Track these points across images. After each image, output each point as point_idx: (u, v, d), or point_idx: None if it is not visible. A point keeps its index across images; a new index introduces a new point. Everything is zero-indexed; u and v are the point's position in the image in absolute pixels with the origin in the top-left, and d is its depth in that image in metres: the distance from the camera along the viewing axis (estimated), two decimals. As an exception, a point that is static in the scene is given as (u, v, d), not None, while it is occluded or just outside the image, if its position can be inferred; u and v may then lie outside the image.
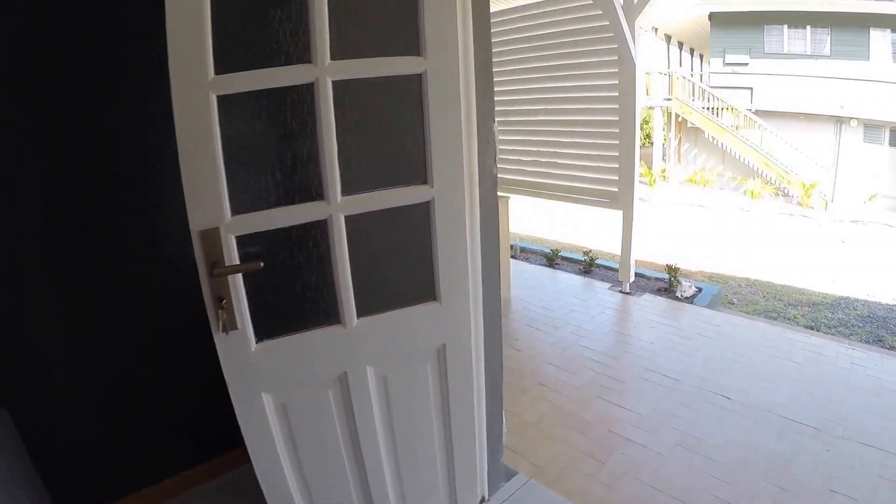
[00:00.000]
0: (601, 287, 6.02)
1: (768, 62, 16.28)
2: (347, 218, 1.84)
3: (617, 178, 5.52)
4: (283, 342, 1.90)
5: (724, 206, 14.07)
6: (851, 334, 6.09)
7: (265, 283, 1.83)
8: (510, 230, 6.13)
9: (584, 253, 6.85)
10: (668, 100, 17.41)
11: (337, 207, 1.81)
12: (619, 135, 5.38)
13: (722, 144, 16.52)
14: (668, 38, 19.88)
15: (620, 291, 5.81)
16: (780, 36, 16.16)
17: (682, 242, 11.38)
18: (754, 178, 14.66)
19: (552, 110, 6.17)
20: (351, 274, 1.90)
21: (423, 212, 1.99)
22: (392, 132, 2.03)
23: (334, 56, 1.71)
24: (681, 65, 20.35)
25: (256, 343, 1.85)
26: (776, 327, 4.87)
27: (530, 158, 6.60)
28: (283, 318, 1.94)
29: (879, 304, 7.20)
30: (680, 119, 17.31)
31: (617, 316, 5.30)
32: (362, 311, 1.99)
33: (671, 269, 5.92)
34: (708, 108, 16.42)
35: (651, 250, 10.83)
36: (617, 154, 5.46)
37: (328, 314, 1.96)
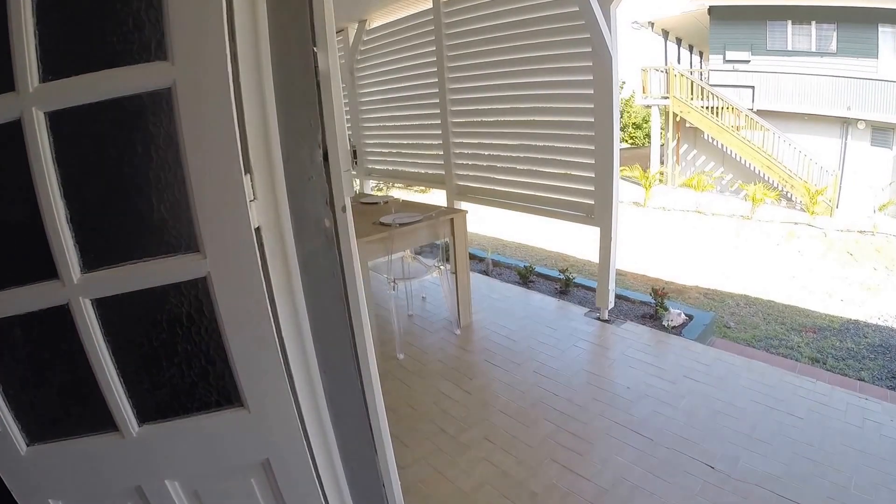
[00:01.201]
0: (577, 312, 5.29)
1: (771, 59, 15.45)
2: (101, 300, 1.37)
3: (593, 188, 4.78)
4: (60, 447, 1.54)
5: (723, 211, 13.31)
6: (862, 369, 5.34)
7: (22, 379, 1.48)
8: (489, 236, 5.41)
9: (560, 271, 6.10)
10: (666, 98, 16.66)
11: (77, 289, 1.34)
12: (596, 138, 4.63)
13: (722, 146, 15.76)
14: (666, 33, 19.09)
15: (598, 318, 5.07)
16: (784, 32, 15.32)
17: (677, 252, 10.65)
18: (755, 182, 13.86)
19: (515, 110, 5.46)
20: (120, 372, 1.44)
21: (198, 291, 1.32)
22: (141, 177, 1.34)
23: (46, 76, 1.22)
24: (679, 62, 19.57)
25: (28, 446, 1.52)
26: (776, 369, 4.12)
27: (486, 164, 5.92)
28: (55, 421, 1.56)
29: (892, 329, 6.45)
30: (678, 118, 16.54)
31: (590, 350, 4.57)
32: (145, 416, 1.49)
33: (657, 294, 5.18)
34: (707, 108, 15.64)
35: (642, 261, 10.16)
36: (593, 161, 4.71)
37: (101, 420, 1.51)
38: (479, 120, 5.93)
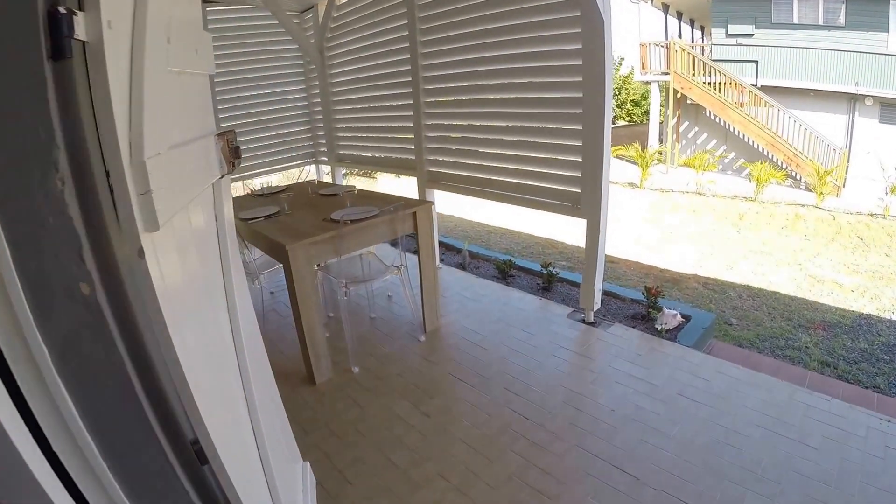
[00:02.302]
0: (560, 313, 4.72)
1: (775, 33, 14.73)
2: None
3: (580, 174, 4.18)
4: None
5: (725, 192, 12.69)
6: (877, 374, 4.80)
7: None
8: (473, 221, 4.86)
9: (543, 265, 5.52)
10: (666, 74, 15.97)
11: None
12: (584, 116, 4.03)
13: (724, 123, 15.13)
14: (666, 7, 18.31)
15: (583, 321, 4.51)
16: (789, 4, 14.57)
17: (675, 237, 10.07)
18: (760, 161, 13.21)
19: (493, 86, 4.83)
20: None
21: None
22: None
23: None
24: (680, 37, 18.80)
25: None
26: (784, 384, 3.55)
27: (460, 148, 5.32)
28: None
29: (909, 325, 5.90)
30: (679, 95, 15.85)
31: (571, 361, 4.00)
32: None
33: (650, 293, 4.61)
34: (709, 83, 14.95)
35: (636, 248, 9.61)
36: (580, 143, 4.12)
37: None
38: (455, 99, 5.30)
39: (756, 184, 12.09)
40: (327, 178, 7.24)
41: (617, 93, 28.22)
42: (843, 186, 12.80)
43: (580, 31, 3.87)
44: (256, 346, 2.08)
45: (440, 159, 5.56)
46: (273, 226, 4.04)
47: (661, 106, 17.34)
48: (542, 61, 4.32)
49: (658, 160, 16.10)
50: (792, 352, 5.29)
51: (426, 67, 5.38)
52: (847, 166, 13.08)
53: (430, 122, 5.54)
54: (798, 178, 13.36)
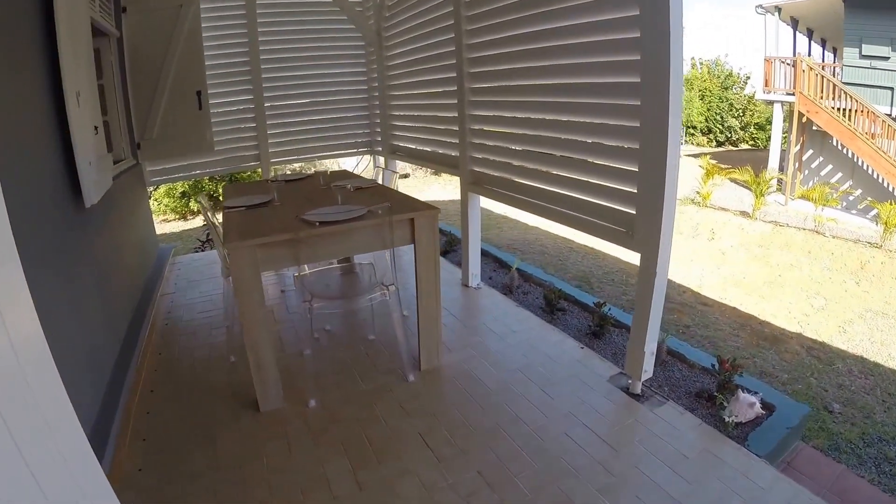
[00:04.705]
0: (601, 372, 3.60)
1: (915, 58, 12.84)
2: None
3: (636, 189, 3.07)
4: None
5: (846, 234, 10.95)
6: None
7: None
8: (531, 224, 4.06)
9: (596, 304, 4.40)
10: (791, 94, 14.21)
11: None
12: (643, 111, 2.93)
13: (852, 155, 13.21)
14: (795, 21, 16.39)
15: (626, 390, 3.37)
16: (931, 25, 12.63)
17: (784, 284, 8.59)
18: (890, 202, 11.31)
19: (540, 71, 3.80)
20: None
21: None
22: None
23: None
24: (809, 55, 16.85)
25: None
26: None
27: (501, 144, 4.41)
28: None
29: None
30: (804, 119, 14.04)
31: (590, 448, 2.86)
32: None
33: (723, 367, 3.43)
34: (838, 109, 13.08)
35: (737, 290, 8.24)
36: (637, 146, 3.02)
37: None
38: (500, 85, 4.28)
39: (884, 228, 10.30)
40: (399, 172, 6.38)
41: (741, 113, 26.20)
42: None
43: (638, 13, 2.84)
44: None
45: (485, 158, 4.59)
46: (241, 218, 3.38)
47: (783, 131, 15.52)
48: (593, 53, 3.32)
49: (778, 189, 14.38)
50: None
51: (470, 48, 4.46)
52: None
53: (474, 113, 4.58)
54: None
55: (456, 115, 4.76)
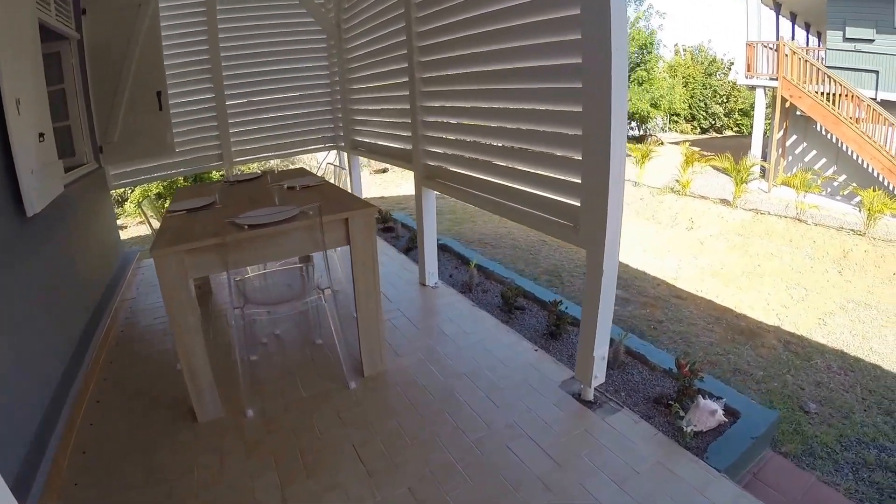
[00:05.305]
0: (553, 377, 3.37)
1: (901, 39, 12.63)
2: None
3: (579, 179, 2.83)
4: None
5: (829, 221, 10.73)
6: None
7: None
8: None
9: (552, 305, 4.16)
10: (774, 79, 13.97)
11: None
12: (584, 102, 2.69)
13: (837, 140, 13.00)
14: (779, 5, 16.17)
15: (578, 396, 3.13)
16: (919, 6, 12.38)
17: (763, 275, 8.36)
18: (874, 188, 11.08)
19: (487, 55, 3.53)
20: None
21: None
22: None
23: None
24: (793, 39, 16.61)
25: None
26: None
27: (452, 136, 4.16)
28: None
29: None
30: (787, 104, 13.81)
31: (532, 462, 2.63)
32: None
33: (683, 373, 3.18)
34: (822, 94, 12.85)
35: (713, 281, 8.01)
36: (580, 132, 2.78)
37: None
38: (447, 74, 4.04)
39: (867, 215, 10.08)
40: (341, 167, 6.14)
41: (725, 100, 26.05)
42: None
43: None
44: None
45: (437, 151, 4.34)
46: (177, 223, 3.20)
47: (766, 117, 15.31)
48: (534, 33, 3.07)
49: (761, 176, 14.17)
50: (883, 475, 3.68)
51: (420, 36, 4.25)
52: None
53: (426, 105, 4.35)
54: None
55: (408, 107, 4.51)
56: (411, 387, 3.31)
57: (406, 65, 4.44)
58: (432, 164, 4.42)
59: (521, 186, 3.35)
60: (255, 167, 12.69)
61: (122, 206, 12.86)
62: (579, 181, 2.82)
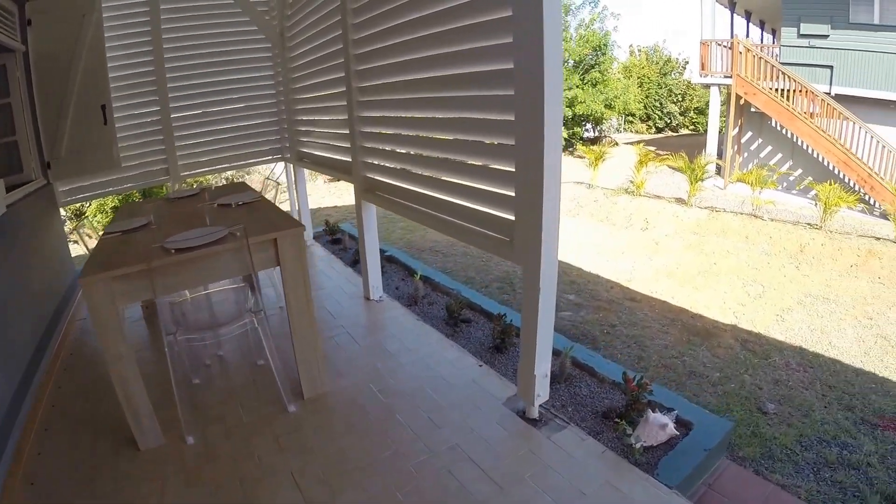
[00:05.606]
0: (498, 394, 3.25)
1: (854, 35, 12.69)
2: None
3: (513, 192, 2.70)
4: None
5: (786, 216, 10.81)
6: None
7: None
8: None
9: (496, 318, 4.03)
10: (729, 77, 14.09)
11: None
12: (517, 110, 2.57)
13: (792, 135, 13.18)
14: (733, 4, 16.38)
15: (524, 415, 2.99)
16: (870, 2, 12.45)
17: (719, 272, 8.34)
18: (830, 182, 11.20)
19: (423, 62, 3.41)
20: None
21: None
22: None
23: None
24: (748, 37, 16.83)
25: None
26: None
27: (388, 147, 4.04)
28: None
29: None
30: (742, 101, 13.94)
31: (473, 489, 2.49)
32: None
33: (630, 388, 3.05)
34: (777, 90, 12.99)
35: (669, 282, 7.97)
36: (513, 143, 2.66)
37: None
38: (385, 82, 3.91)
39: (823, 208, 10.16)
40: (277, 181, 5.96)
41: (680, 99, 26.34)
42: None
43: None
44: None
45: (376, 163, 4.21)
46: (111, 246, 3.07)
47: (721, 114, 15.46)
48: (467, 39, 2.94)
49: (718, 173, 14.26)
50: (845, 474, 3.62)
51: (356, 43, 4.11)
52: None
53: (363, 115, 4.22)
54: (872, 202, 11.35)
55: (347, 117, 4.35)
56: (352, 409, 3.17)
57: (343, 74, 4.30)
58: (371, 176, 4.27)
59: (457, 200, 3.23)
60: (211, 180, 12.45)
61: (79, 220, 12.50)
62: (513, 194, 2.69)
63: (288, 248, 2.96)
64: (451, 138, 3.24)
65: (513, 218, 2.72)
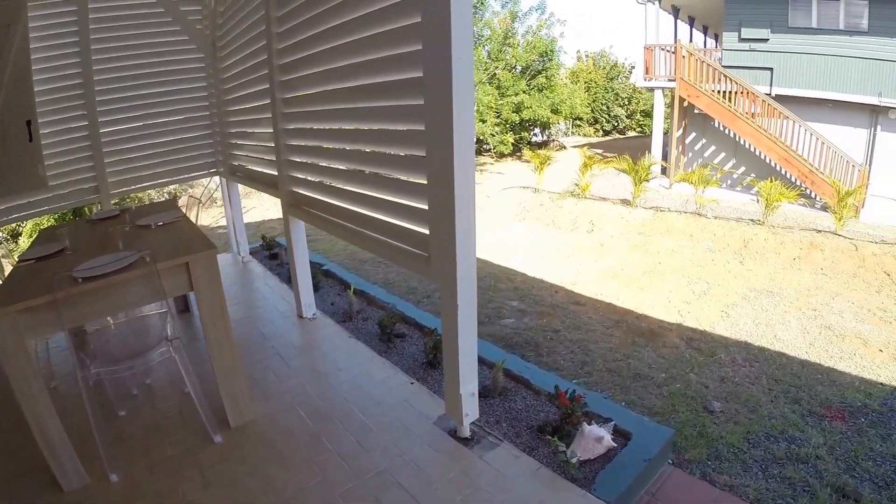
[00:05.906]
0: (428, 412, 3.15)
1: (793, 38, 13.15)
2: None
3: (426, 206, 2.59)
4: None
5: (729, 213, 10.97)
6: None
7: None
8: None
9: (427, 332, 3.92)
10: (672, 81, 14.34)
11: None
12: (427, 120, 2.48)
13: (734, 135, 13.53)
14: (676, 10, 16.69)
15: (455, 435, 2.86)
16: (808, 7, 12.97)
17: (663, 272, 8.37)
18: (771, 178, 11.44)
19: (342, 72, 3.29)
20: None
21: None
22: None
23: None
24: (692, 42, 17.17)
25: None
26: None
27: (310, 160, 3.92)
28: None
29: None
30: (686, 104, 14.18)
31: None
32: None
33: (563, 401, 2.95)
34: (719, 92, 13.33)
35: (613, 283, 7.95)
36: (424, 154, 2.57)
37: None
38: (307, 94, 3.79)
39: (765, 204, 10.33)
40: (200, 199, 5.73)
41: (627, 102, 26.79)
42: (863, 207, 11.10)
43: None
44: None
45: (300, 177, 4.06)
46: (22, 274, 2.90)
47: (665, 116, 15.70)
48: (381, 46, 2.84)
49: (663, 174, 14.43)
50: (794, 469, 3.59)
51: (280, 53, 3.95)
52: (867, 184, 11.33)
53: (288, 127, 4.06)
54: (813, 196, 11.63)
55: (272, 130, 4.19)
56: (279, 435, 3.02)
57: (268, 85, 4.13)
58: (296, 190, 4.12)
59: (377, 214, 3.11)
60: (153, 195, 12.07)
61: (15, 242, 11.96)
62: (426, 207, 2.58)
63: (201, 272, 2.79)
64: (369, 150, 3.14)
65: (427, 232, 2.62)
